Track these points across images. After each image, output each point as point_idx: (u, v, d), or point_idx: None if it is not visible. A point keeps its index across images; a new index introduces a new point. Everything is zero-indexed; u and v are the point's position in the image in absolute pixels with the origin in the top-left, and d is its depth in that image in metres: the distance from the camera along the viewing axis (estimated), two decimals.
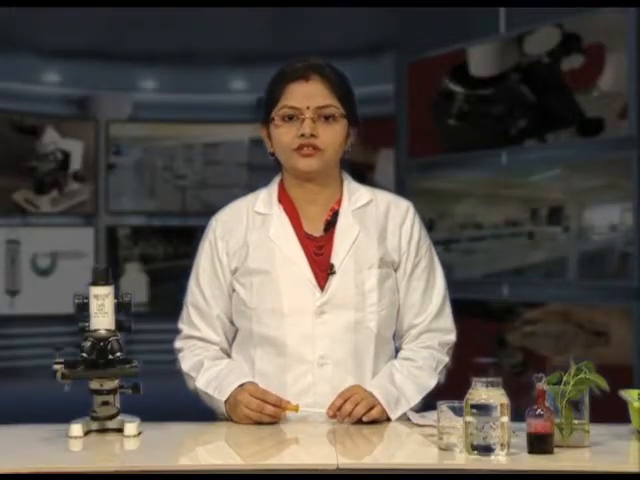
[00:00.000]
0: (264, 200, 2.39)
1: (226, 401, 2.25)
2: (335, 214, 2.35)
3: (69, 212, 8.84)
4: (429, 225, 5.83)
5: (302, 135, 2.27)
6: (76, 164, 8.83)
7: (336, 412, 2.18)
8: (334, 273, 2.29)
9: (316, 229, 2.35)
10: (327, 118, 2.29)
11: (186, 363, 2.36)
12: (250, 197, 2.42)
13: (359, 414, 2.17)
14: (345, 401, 2.18)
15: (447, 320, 2.40)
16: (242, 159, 8.97)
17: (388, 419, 2.23)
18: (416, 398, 2.28)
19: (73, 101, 8.91)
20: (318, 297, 2.28)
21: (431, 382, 2.32)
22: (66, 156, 8.76)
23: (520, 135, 5.69)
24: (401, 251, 2.36)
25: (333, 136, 2.30)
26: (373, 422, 2.19)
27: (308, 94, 2.29)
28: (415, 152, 6.38)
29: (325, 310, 2.28)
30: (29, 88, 8.54)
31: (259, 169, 8.76)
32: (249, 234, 2.35)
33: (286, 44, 7.27)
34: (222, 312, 2.37)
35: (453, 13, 5.78)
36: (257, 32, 7.53)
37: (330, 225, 2.34)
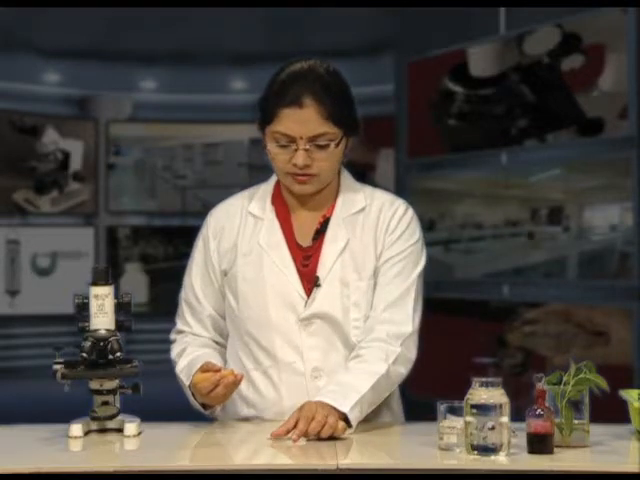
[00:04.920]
0: (259, 200, 2.33)
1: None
2: (326, 221, 2.29)
3: (69, 212, 8.84)
4: (429, 225, 5.82)
5: (294, 165, 2.20)
6: (76, 164, 8.84)
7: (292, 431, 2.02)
8: (319, 286, 2.24)
9: (306, 237, 2.29)
10: (322, 146, 2.21)
11: (174, 350, 2.35)
12: (247, 193, 2.38)
13: (315, 430, 2.00)
14: (297, 421, 2.03)
15: (402, 311, 2.23)
16: (242, 159, 8.98)
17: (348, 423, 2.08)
18: (365, 385, 2.13)
19: (73, 101, 8.91)
20: (303, 309, 2.24)
21: (379, 368, 2.16)
22: (66, 156, 8.76)
23: (520, 135, 5.69)
24: (384, 245, 2.27)
25: (328, 160, 2.22)
26: (333, 438, 2.03)
27: (301, 121, 2.18)
28: (415, 152, 6.37)
29: (312, 322, 2.23)
30: (29, 88, 8.55)
31: (259, 169, 8.76)
32: (240, 236, 2.31)
33: (286, 44, 7.26)
34: (214, 309, 2.35)
35: (453, 13, 5.78)
36: (257, 32, 7.54)
37: (319, 233, 2.29)
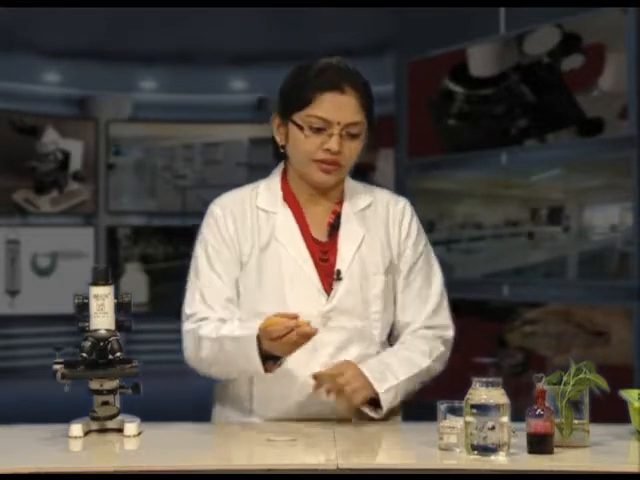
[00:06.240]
0: (266, 196, 2.33)
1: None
2: (337, 217, 2.31)
3: (69, 212, 8.84)
4: (429, 225, 5.82)
5: (327, 150, 2.22)
6: (76, 164, 8.83)
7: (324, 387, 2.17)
8: (341, 279, 2.25)
9: (320, 232, 2.31)
10: (353, 135, 2.24)
11: (204, 330, 2.23)
12: (248, 189, 2.36)
13: (348, 395, 2.15)
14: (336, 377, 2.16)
15: (444, 316, 2.35)
16: (242, 159, 8.98)
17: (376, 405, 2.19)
18: (403, 372, 2.22)
19: (73, 101, 8.91)
20: (324, 304, 2.24)
21: (422, 362, 2.26)
22: (66, 156, 8.76)
23: (520, 135, 5.69)
24: (400, 250, 2.33)
25: (354, 152, 2.26)
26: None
27: (340, 106, 2.22)
28: (415, 152, 6.37)
29: (331, 317, 2.24)
30: (29, 88, 8.55)
31: (259, 169, 8.76)
32: (255, 230, 2.28)
33: (286, 44, 7.26)
34: (236, 290, 2.29)
35: (453, 13, 5.78)
36: (257, 32, 7.53)
37: (333, 229, 2.31)
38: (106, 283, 2.13)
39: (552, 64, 5.47)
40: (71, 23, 7.30)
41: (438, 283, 2.37)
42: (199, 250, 2.32)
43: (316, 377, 2.18)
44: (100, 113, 8.95)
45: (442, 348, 2.31)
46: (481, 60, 5.92)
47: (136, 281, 8.76)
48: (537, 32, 5.56)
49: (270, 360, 2.16)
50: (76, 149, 8.83)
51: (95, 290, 2.12)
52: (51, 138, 8.68)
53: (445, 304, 2.37)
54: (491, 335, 5.81)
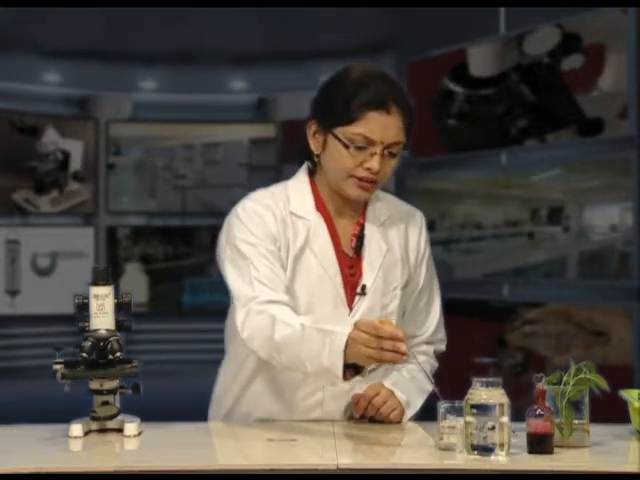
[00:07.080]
0: (298, 201, 2.28)
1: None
2: (362, 229, 2.29)
3: (69, 212, 8.85)
4: (429, 225, 5.81)
5: (368, 169, 2.18)
6: (76, 164, 8.84)
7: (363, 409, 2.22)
8: (365, 294, 2.25)
9: (347, 245, 2.28)
10: (393, 154, 2.21)
11: (281, 313, 2.11)
12: (277, 191, 2.30)
13: (386, 414, 2.21)
14: (373, 397, 2.21)
15: (443, 331, 2.41)
16: (242, 159, 8.98)
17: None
18: (420, 401, 2.29)
19: (73, 101, 8.92)
20: (347, 318, 2.21)
21: (429, 387, 2.25)
22: (66, 156, 8.77)
23: (520, 135, 5.69)
24: (417, 266, 2.35)
25: (390, 169, 2.23)
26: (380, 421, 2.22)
27: (385, 126, 2.17)
28: (415, 152, 6.37)
29: None
30: (29, 88, 8.56)
31: (259, 169, 8.77)
32: (290, 234, 2.24)
33: (286, 44, 7.26)
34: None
35: (453, 13, 5.78)
36: (257, 32, 7.54)
37: (358, 240, 2.28)
38: (106, 283, 2.13)
39: (552, 64, 5.47)
40: (71, 23, 7.31)
41: (439, 297, 2.40)
42: (241, 244, 2.21)
43: (355, 399, 2.23)
44: (100, 113, 8.96)
45: (436, 364, 2.39)
46: (481, 60, 5.93)
47: (136, 281, 8.75)
48: (537, 32, 5.57)
49: (350, 369, 2.04)
50: (76, 149, 8.84)
51: (95, 290, 2.12)
52: (51, 138, 8.69)
53: (443, 319, 2.41)
54: (491, 335, 5.81)
